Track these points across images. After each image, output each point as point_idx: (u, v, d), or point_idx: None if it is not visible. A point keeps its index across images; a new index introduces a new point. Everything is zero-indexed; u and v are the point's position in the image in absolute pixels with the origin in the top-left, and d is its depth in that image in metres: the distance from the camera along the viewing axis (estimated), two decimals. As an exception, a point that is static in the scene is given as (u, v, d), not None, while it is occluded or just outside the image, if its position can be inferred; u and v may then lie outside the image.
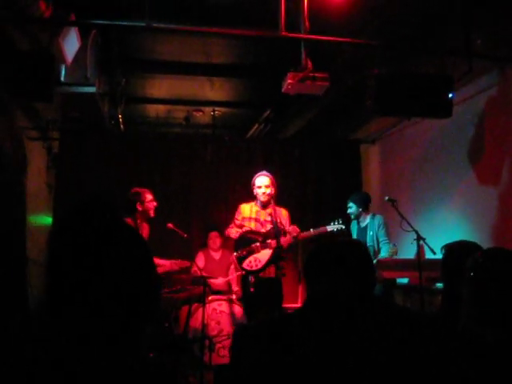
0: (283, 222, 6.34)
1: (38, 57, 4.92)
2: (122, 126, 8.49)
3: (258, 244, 6.20)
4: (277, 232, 6.08)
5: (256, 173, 6.60)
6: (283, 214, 6.41)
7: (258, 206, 6.41)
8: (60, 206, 8.15)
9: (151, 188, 6.39)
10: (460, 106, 6.31)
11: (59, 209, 8.14)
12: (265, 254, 6.17)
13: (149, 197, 6.10)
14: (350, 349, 1.67)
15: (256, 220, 6.38)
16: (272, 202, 6.28)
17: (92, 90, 6.16)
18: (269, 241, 6.17)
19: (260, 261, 6.15)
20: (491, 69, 6.19)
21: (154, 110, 9.21)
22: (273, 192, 6.34)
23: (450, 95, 5.68)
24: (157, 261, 6.40)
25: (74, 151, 8.40)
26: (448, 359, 1.74)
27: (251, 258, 6.17)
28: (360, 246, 2.09)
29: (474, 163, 6.53)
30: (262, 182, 6.35)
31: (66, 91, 6.07)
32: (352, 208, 7.03)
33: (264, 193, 6.30)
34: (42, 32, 5.33)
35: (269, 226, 6.27)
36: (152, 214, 6.11)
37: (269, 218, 6.29)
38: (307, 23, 5.22)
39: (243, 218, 6.42)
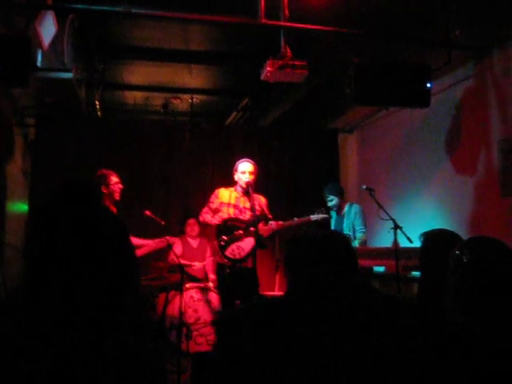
0: (264, 208, 6.29)
1: (14, 41, 4.84)
2: (99, 113, 8.43)
3: (241, 231, 6.08)
4: (255, 220, 5.97)
5: (235, 160, 6.55)
6: (262, 200, 6.35)
7: (238, 193, 6.30)
8: (36, 193, 8.06)
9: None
10: (438, 96, 6.34)
11: (35, 196, 8.06)
12: (247, 243, 6.05)
13: (114, 179, 6.01)
14: (339, 334, 1.68)
15: (235, 206, 6.26)
16: (251, 189, 6.20)
17: (69, 75, 6.09)
18: (252, 229, 6.00)
19: (243, 249, 6.02)
20: (469, 60, 6.24)
21: (132, 97, 9.15)
22: (255, 178, 6.29)
23: (428, 85, 5.70)
24: (141, 241, 6.38)
25: (50, 138, 8.29)
26: (437, 349, 1.75)
27: (234, 246, 6.03)
28: (342, 237, 2.09)
29: (451, 153, 6.58)
30: (246, 168, 6.24)
31: (43, 77, 5.99)
32: (333, 200, 7.03)
33: (247, 179, 6.17)
34: (19, 16, 5.25)
35: (248, 214, 6.17)
36: (117, 196, 6.01)
37: (248, 205, 6.18)
38: (287, 11, 5.21)
39: (221, 203, 6.29)
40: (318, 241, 1.98)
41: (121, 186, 6.05)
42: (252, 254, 6.02)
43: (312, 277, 1.81)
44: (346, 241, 2.07)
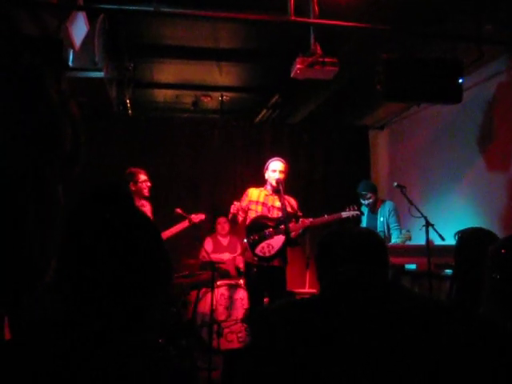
0: (296, 208, 6.24)
1: (46, 42, 4.90)
2: (129, 111, 8.48)
3: (270, 229, 6.04)
4: (286, 217, 5.95)
5: (264, 158, 6.55)
6: (292, 202, 6.31)
7: (268, 191, 6.28)
8: (67, 192, 8.13)
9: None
10: (470, 92, 6.26)
11: (66, 195, 8.12)
12: (277, 240, 6.01)
13: (142, 177, 6.20)
14: (371, 334, 1.66)
15: (263, 204, 6.23)
16: (281, 187, 6.13)
17: (100, 75, 6.14)
18: (282, 226, 5.98)
19: (273, 247, 5.99)
20: (501, 54, 6.15)
21: (162, 95, 9.18)
22: (285, 177, 6.23)
23: (460, 80, 5.63)
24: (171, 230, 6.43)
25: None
26: (471, 348, 1.73)
27: (264, 244, 6.00)
28: (375, 235, 2.07)
29: (483, 149, 6.50)
30: (277, 167, 6.21)
31: (75, 76, 6.05)
32: (371, 198, 7.00)
33: (278, 177, 6.15)
34: (50, 17, 5.30)
35: (275, 212, 6.15)
36: (146, 193, 6.20)
37: (277, 204, 6.15)
38: (316, 7, 5.18)
39: (250, 201, 6.26)
40: (350, 238, 1.97)
41: (149, 183, 6.17)
42: (282, 251, 6.02)
43: (344, 276, 1.80)
44: (378, 238, 2.05)
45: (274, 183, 6.18)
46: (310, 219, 6.11)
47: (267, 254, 5.98)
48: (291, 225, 6.01)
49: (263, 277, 5.99)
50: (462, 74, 5.65)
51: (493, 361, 1.71)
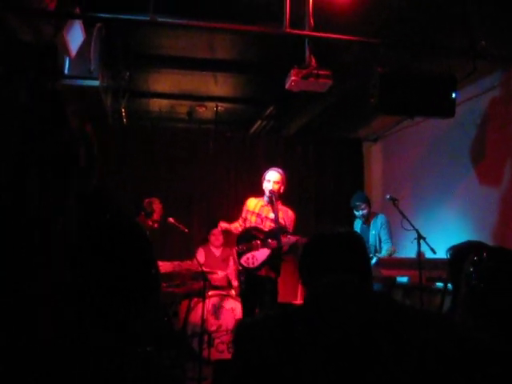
0: (287, 222, 6.22)
1: (42, 49, 4.91)
2: (124, 120, 8.48)
3: (258, 242, 6.06)
4: (278, 232, 5.97)
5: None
6: (289, 214, 6.30)
7: (264, 202, 6.30)
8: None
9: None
10: (463, 106, 6.30)
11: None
12: (262, 253, 6.03)
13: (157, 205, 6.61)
14: (352, 348, 1.66)
15: (258, 215, 6.26)
16: (274, 198, 6.12)
17: (95, 83, 6.15)
18: (269, 240, 6.01)
19: (257, 259, 6.02)
20: (494, 69, 6.19)
21: (158, 105, 9.20)
22: (281, 190, 6.25)
23: (454, 95, 5.66)
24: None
25: (76, 144, 8.38)
26: (448, 360, 1.73)
27: (249, 255, 6.05)
28: (357, 237, 2.08)
29: (476, 163, 6.53)
30: (272, 177, 6.23)
31: (70, 84, 6.06)
32: (366, 209, 7.02)
33: (271, 188, 6.16)
34: (47, 25, 5.32)
35: (268, 223, 6.16)
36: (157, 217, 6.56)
37: (271, 216, 6.15)
38: (311, 20, 5.21)
39: (247, 211, 6.33)
40: (331, 245, 1.97)
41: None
42: (266, 264, 6.03)
43: (326, 287, 1.80)
44: (360, 242, 2.04)
45: (267, 193, 6.20)
46: (298, 237, 6.04)
47: (251, 266, 6.03)
48: (283, 237, 5.99)
49: (253, 286, 6.03)
50: (455, 89, 5.68)
51: (470, 376, 1.72)
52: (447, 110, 5.71)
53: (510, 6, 5.15)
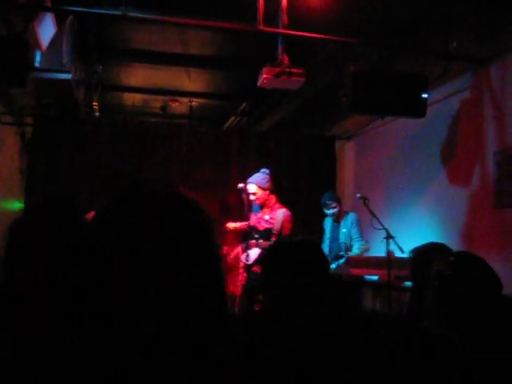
0: (276, 223, 6.41)
1: (12, 42, 4.85)
2: (97, 114, 8.42)
3: (253, 241, 6.39)
4: (266, 232, 6.34)
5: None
6: (281, 215, 6.45)
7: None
8: (32, 192, 8.08)
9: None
10: (434, 106, 6.35)
11: (31, 194, 8.07)
12: (254, 253, 6.34)
13: None
14: (309, 352, 1.67)
15: (255, 215, 6.58)
16: (270, 202, 6.48)
17: (67, 76, 6.08)
18: (261, 240, 6.33)
19: (251, 258, 6.34)
20: (466, 71, 6.24)
21: (131, 99, 9.15)
22: (264, 195, 6.45)
23: (425, 95, 5.70)
24: None
25: (47, 137, 8.28)
26: (412, 362, 1.74)
27: (246, 253, 6.37)
28: (315, 247, 2.10)
29: (446, 163, 6.59)
30: (249, 190, 6.48)
31: (41, 77, 5.99)
32: (336, 208, 7.04)
33: (253, 200, 6.48)
34: (17, 17, 5.26)
35: (263, 224, 6.44)
36: None
37: (266, 217, 6.45)
38: (285, 18, 5.21)
39: (249, 212, 6.66)
40: (292, 250, 1.99)
41: None
42: (258, 261, 6.25)
43: (286, 291, 1.81)
44: (318, 251, 2.07)
45: (254, 203, 6.56)
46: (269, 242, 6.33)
47: (246, 263, 6.36)
48: (262, 242, 6.32)
49: (251, 280, 6.27)
50: (426, 89, 5.72)
51: (436, 375, 1.73)
52: (418, 110, 5.75)
53: (482, 8, 5.20)
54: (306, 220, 8.26)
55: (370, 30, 5.71)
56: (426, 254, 3.00)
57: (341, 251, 6.75)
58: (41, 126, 8.22)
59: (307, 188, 8.96)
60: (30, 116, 7.83)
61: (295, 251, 1.99)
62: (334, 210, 7.03)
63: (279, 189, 7.00)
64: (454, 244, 5.96)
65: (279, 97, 7.58)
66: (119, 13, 4.95)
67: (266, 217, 6.43)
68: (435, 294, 2.24)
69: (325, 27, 5.49)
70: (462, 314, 2.11)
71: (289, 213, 6.51)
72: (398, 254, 5.84)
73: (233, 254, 7.18)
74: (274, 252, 2.08)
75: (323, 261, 2.02)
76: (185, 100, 8.90)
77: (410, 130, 7.22)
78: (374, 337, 1.75)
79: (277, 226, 6.39)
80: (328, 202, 7.05)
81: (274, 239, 6.28)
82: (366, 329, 1.77)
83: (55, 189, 8.05)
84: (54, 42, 5.67)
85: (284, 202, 7.08)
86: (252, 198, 6.44)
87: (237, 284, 6.80)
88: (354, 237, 6.88)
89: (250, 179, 6.52)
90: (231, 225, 6.77)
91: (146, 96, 8.92)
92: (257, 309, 6.23)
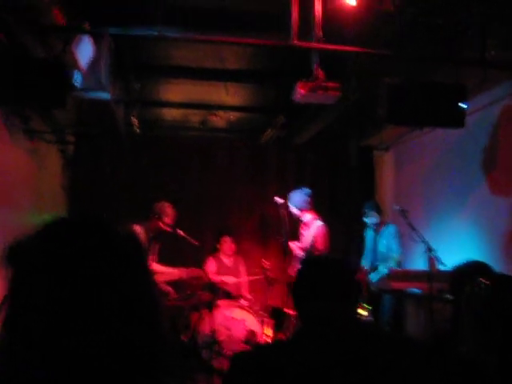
0: (307, 236, 6.56)
1: (51, 64, 4.97)
2: (137, 130, 8.53)
3: (300, 255, 6.53)
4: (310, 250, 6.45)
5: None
6: (312, 227, 6.58)
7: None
8: (74, 208, 8.25)
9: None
10: (474, 116, 6.25)
11: (73, 210, 8.26)
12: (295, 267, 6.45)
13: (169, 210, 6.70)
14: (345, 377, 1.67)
15: (300, 232, 6.80)
16: (307, 219, 6.68)
17: (106, 95, 6.17)
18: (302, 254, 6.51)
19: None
20: (504, 78, 6.14)
21: (170, 114, 9.21)
22: (301, 214, 6.71)
23: (464, 105, 5.62)
24: (164, 268, 6.47)
25: (88, 155, 8.49)
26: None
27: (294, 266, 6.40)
28: (346, 265, 2.09)
29: (488, 173, 6.47)
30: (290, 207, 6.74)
31: (81, 97, 6.10)
32: (375, 218, 7.02)
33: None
34: (56, 39, 5.37)
35: (302, 241, 6.65)
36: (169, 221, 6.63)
37: (304, 232, 6.68)
38: (319, 32, 5.20)
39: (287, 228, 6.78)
40: (322, 272, 1.97)
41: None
42: None
43: (312, 317, 1.81)
44: (349, 271, 2.05)
45: None
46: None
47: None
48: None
49: None
50: (465, 99, 5.63)
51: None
52: (457, 120, 5.65)
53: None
54: (345, 232, 8.25)
55: (404, 40, 5.65)
56: (465, 273, 2.96)
57: (378, 262, 6.72)
58: (82, 144, 8.41)
59: (346, 200, 8.93)
60: (72, 134, 7.99)
61: (322, 271, 1.98)
62: (373, 219, 7.00)
63: (317, 202, 6.99)
64: (496, 257, 5.88)
65: (316, 109, 7.55)
66: (155, 33, 5.02)
67: (303, 232, 6.58)
68: (472, 316, 2.21)
69: (358, 40, 5.47)
70: (498, 337, 2.08)
71: (323, 227, 6.50)
72: (439, 266, 5.76)
73: (275, 268, 7.24)
74: (300, 271, 2.07)
75: (350, 283, 2.00)
76: (223, 114, 8.94)
77: (449, 140, 7.13)
78: (412, 364, 1.74)
79: (307, 239, 6.41)
80: (366, 211, 7.03)
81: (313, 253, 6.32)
82: (403, 355, 1.75)
83: (96, 204, 8.20)
84: (93, 61, 5.76)
85: (322, 214, 7.10)
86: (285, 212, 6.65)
87: (281, 298, 6.85)
88: (392, 248, 6.83)
89: (290, 201, 6.62)
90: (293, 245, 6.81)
91: (186, 111, 8.98)
92: None
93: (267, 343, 1.94)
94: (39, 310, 0.95)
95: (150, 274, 1.08)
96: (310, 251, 6.34)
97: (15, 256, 1.01)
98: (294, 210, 6.56)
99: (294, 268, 6.53)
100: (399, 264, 6.62)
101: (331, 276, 1.96)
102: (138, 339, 0.98)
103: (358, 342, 1.74)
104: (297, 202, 6.53)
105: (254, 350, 1.99)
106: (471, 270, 2.99)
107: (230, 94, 8.15)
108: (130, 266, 1.03)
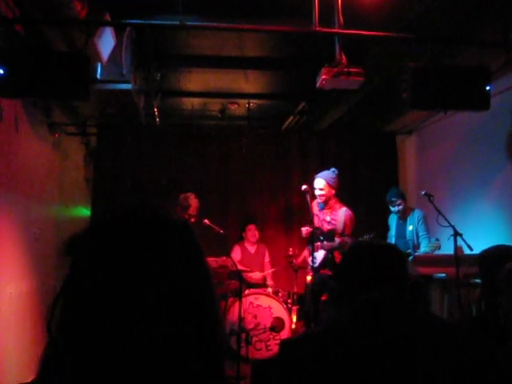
0: (338, 223, 6.48)
1: (74, 57, 4.98)
2: (157, 120, 8.55)
3: (318, 243, 6.40)
4: (328, 233, 6.42)
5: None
6: (340, 213, 6.48)
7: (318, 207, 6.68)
8: (98, 199, 8.32)
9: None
10: (498, 97, 6.18)
11: (97, 201, 8.32)
12: (320, 255, 6.41)
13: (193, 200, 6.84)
14: (390, 365, 1.66)
15: (317, 216, 6.62)
16: (332, 202, 6.55)
17: (128, 86, 6.20)
18: (325, 242, 6.40)
19: (318, 260, 6.33)
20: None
21: (190, 103, 9.21)
22: (330, 193, 6.52)
23: (488, 87, 5.55)
24: None
25: (110, 145, 8.53)
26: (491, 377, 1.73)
27: (314, 255, 6.30)
28: (397, 250, 2.07)
29: (512, 155, 6.41)
30: (317, 185, 6.54)
31: (103, 88, 6.13)
32: (401, 205, 6.96)
33: (319, 195, 6.52)
34: (78, 32, 5.39)
35: (325, 225, 6.51)
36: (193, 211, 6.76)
37: (327, 218, 6.53)
38: (341, 18, 5.16)
39: (313, 214, 6.60)
40: (369, 260, 1.95)
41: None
42: (323, 265, 6.39)
43: (364, 305, 1.80)
44: (399, 256, 2.03)
45: (318, 200, 6.60)
46: (340, 239, 6.42)
47: (314, 266, 6.29)
48: (326, 243, 6.40)
49: (318, 283, 6.29)
50: (489, 81, 5.56)
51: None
52: (482, 102, 5.59)
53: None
54: (368, 218, 8.22)
55: (426, 24, 5.59)
56: (494, 258, 2.94)
57: (408, 249, 6.65)
58: (104, 135, 8.44)
59: (369, 185, 8.89)
60: (94, 126, 8.02)
61: (375, 256, 1.95)
62: (399, 207, 6.95)
63: (341, 187, 6.95)
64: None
65: (337, 95, 7.51)
66: (176, 23, 5.02)
67: (328, 218, 6.48)
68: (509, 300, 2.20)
69: (380, 24, 5.42)
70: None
71: (350, 212, 6.50)
72: (466, 250, 5.72)
73: (301, 257, 7.21)
74: (348, 256, 2.05)
75: (404, 268, 1.98)
76: (243, 102, 8.92)
77: (473, 123, 7.06)
78: (470, 353, 1.73)
79: (339, 225, 6.39)
80: (393, 199, 6.97)
81: (337, 239, 6.29)
82: (453, 345, 1.74)
83: (120, 194, 8.25)
84: (114, 53, 5.78)
85: (345, 200, 7.08)
86: (318, 193, 6.48)
87: (303, 285, 6.82)
88: (420, 234, 6.79)
89: (320, 174, 6.55)
90: (305, 229, 6.65)
91: (205, 99, 8.98)
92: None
93: (315, 329, 1.92)
94: (104, 303, 0.93)
95: (207, 264, 1.07)
96: (342, 235, 6.34)
97: (81, 247, 1.00)
98: (323, 192, 6.47)
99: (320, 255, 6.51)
100: (438, 249, 6.47)
101: (384, 261, 1.94)
102: (207, 330, 0.97)
103: (412, 328, 1.73)
104: (329, 178, 6.48)
105: (303, 335, 1.97)
106: (500, 254, 2.97)
107: (249, 82, 8.13)
108: (192, 257, 1.04)
